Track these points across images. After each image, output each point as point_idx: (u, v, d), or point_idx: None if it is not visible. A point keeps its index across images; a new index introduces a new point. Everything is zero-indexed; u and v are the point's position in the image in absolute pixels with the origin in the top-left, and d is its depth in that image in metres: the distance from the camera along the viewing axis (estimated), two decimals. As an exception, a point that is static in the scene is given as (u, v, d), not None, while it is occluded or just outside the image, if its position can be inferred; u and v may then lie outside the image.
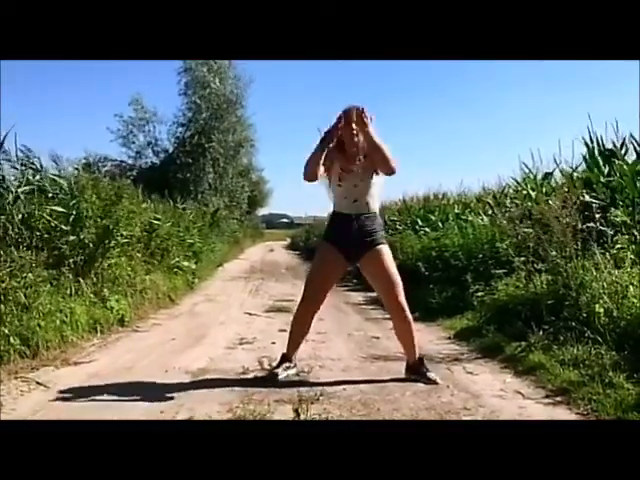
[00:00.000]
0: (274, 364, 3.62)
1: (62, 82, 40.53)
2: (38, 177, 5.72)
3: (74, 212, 5.35)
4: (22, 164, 5.72)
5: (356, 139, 3.38)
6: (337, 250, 3.42)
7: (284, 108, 70.94)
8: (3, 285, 3.97)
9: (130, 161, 18.74)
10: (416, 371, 3.45)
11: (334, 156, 3.40)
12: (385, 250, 3.45)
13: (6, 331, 3.73)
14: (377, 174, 3.42)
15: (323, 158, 3.34)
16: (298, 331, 3.50)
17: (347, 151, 3.41)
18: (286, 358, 3.52)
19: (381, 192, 3.55)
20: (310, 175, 3.37)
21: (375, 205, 3.48)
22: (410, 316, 3.43)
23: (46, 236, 5.04)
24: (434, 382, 3.36)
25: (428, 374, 3.42)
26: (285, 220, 44.56)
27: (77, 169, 6.72)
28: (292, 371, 3.52)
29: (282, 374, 3.45)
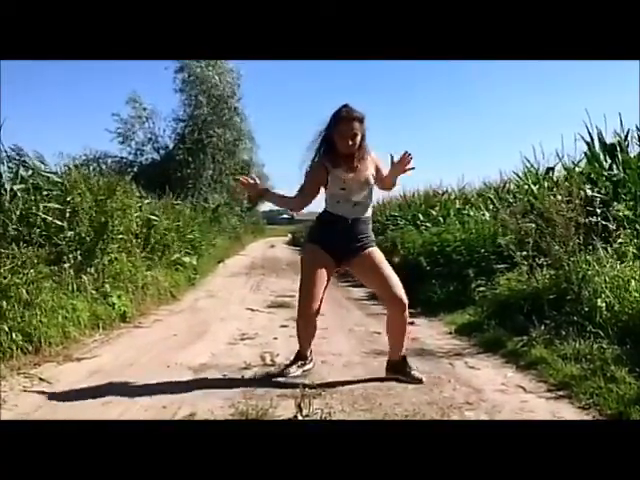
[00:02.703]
0: (276, 359, 3.63)
1: (62, 81, 40.69)
2: (31, 174, 5.72)
3: (69, 208, 5.35)
4: (15, 162, 5.73)
5: (351, 142, 3.19)
6: (325, 252, 3.29)
7: (286, 107, 71.05)
8: (5, 281, 3.99)
9: (131, 157, 18.81)
10: (399, 371, 3.33)
11: (330, 163, 3.25)
12: (375, 251, 3.34)
13: (8, 328, 3.74)
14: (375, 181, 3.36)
15: (316, 173, 3.29)
16: (304, 331, 3.39)
17: (340, 153, 3.23)
18: (301, 355, 3.44)
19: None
20: (296, 210, 3.54)
21: (370, 210, 3.38)
22: (407, 311, 3.28)
23: (45, 233, 5.05)
24: (419, 381, 3.25)
25: (412, 373, 3.31)
26: (286, 216, 44.49)
27: (67, 166, 6.68)
28: (308, 366, 3.46)
29: (297, 371, 3.39)
